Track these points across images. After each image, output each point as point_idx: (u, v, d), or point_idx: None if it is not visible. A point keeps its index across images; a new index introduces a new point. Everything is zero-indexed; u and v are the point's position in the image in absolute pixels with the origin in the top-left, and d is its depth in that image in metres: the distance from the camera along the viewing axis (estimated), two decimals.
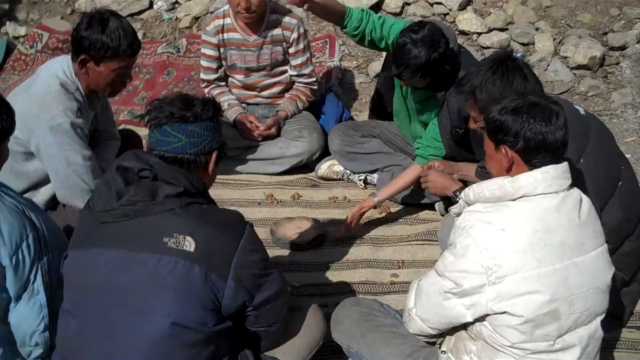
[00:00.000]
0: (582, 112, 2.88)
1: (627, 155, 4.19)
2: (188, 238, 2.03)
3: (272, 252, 3.50)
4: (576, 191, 2.25)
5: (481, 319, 2.18)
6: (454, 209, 2.42)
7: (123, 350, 2.03)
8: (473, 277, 2.12)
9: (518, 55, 5.23)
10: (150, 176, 2.11)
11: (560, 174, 2.18)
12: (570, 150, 2.70)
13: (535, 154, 2.17)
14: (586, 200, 2.29)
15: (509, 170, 2.22)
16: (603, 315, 2.26)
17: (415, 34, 3.25)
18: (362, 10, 3.64)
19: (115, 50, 2.92)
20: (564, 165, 2.20)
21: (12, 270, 2.19)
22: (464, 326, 2.27)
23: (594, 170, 2.72)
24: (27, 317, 2.25)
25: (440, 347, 2.41)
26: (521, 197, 2.16)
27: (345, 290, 3.27)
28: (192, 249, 2.02)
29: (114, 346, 2.03)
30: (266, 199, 3.98)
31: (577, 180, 2.65)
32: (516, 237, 2.12)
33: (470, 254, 2.13)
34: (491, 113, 2.24)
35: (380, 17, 3.66)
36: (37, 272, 2.24)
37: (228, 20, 4.07)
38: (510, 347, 2.15)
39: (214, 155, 2.26)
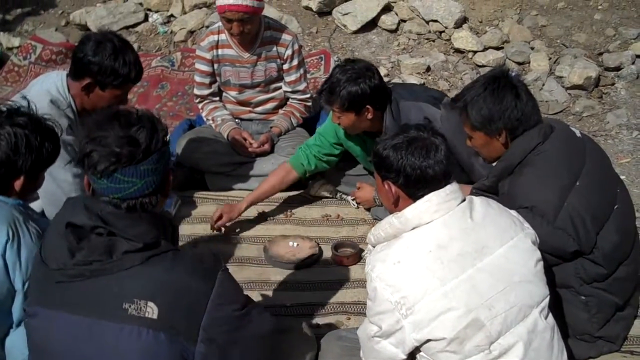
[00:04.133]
0: (578, 134, 2.88)
1: (622, 177, 4.19)
2: (150, 304, 1.84)
3: (264, 270, 3.48)
4: (465, 200, 2.24)
5: (416, 350, 2.16)
6: (365, 254, 2.42)
7: None
8: (388, 316, 2.12)
9: (514, 73, 5.28)
10: (105, 233, 1.89)
11: (444, 198, 2.17)
12: (567, 173, 2.71)
13: (416, 189, 2.19)
14: (480, 201, 2.27)
15: (396, 205, 2.26)
16: (542, 306, 2.21)
17: (346, 64, 3.41)
18: (301, 152, 3.81)
19: (125, 78, 2.93)
20: (448, 188, 2.19)
21: (23, 296, 2.18)
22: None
23: (590, 194, 2.70)
24: (20, 345, 2.21)
25: None
26: (413, 228, 2.16)
27: (338, 310, 3.22)
28: (154, 316, 1.83)
29: None
30: (258, 216, 3.95)
31: (571, 203, 2.66)
32: (412, 265, 2.11)
33: (378, 296, 2.13)
34: (375, 148, 2.27)
35: (313, 140, 3.83)
36: None
37: (223, 37, 4.05)
38: None
39: (170, 178, 2.06)
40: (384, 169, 2.25)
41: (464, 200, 2.23)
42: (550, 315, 2.26)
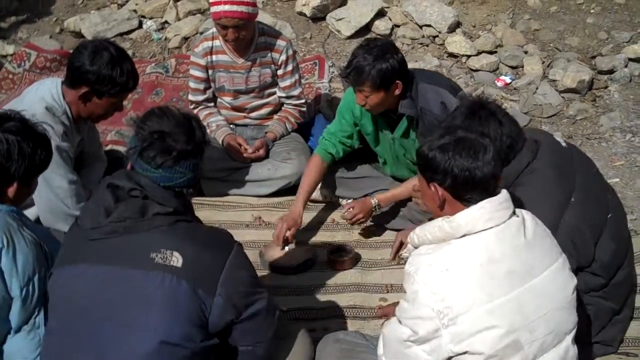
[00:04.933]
0: (563, 144, 2.87)
1: (616, 179, 4.21)
2: (175, 253, 2.03)
3: (260, 274, 3.45)
4: (518, 214, 2.20)
5: None
6: (404, 253, 2.39)
7: None
8: (427, 322, 2.07)
9: (507, 77, 5.31)
10: (141, 196, 2.11)
11: (497, 206, 2.12)
12: (560, 190, 2.67)
13: (464, 191, 2.14)
14: (530, 218, 2.24)
15: (441, 208, 2.21)
16: (573, 332, 2.20)
17: (368, 43, 3.38)
18: (325, 141, 3.80)
19: (123, 87, 2.94)
20: (501, 196, 2.15)
21: (21, 302, 2.18)
22: None
23: (586, 207, 2.69)
24: (22, 349, 2.22)
25: None
26: (463, 235, 2.11)
27: (334, 314, 3.23)
28: (179, 264, 2.02)
29: None
30: (254, 221, 3.95)
31: (568, 220, 2.63)
32: (461, 275, 2.07)
33: (419, 300, 2.08)
34: (420, 150, 2.22)
35: (334, 124, 3.82)
36: (41, 306, 2.22)
37: (217, 43, 4.06)
38: None
39: (199, 173, 2.28)
40: (430, 170, 2.19)
41: (513, 212, 2.18)
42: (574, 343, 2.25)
